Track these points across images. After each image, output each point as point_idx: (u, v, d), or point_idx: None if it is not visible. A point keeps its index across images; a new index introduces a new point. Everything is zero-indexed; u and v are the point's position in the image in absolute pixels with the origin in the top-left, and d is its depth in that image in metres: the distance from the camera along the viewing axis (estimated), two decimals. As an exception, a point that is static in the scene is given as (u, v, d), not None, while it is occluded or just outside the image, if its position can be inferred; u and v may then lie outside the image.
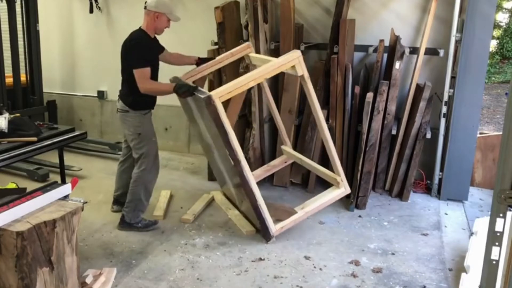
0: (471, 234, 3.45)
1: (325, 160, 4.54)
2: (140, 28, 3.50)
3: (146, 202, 3.62)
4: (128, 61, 3.42)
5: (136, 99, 3.47)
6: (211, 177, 4.72)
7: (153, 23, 3.46)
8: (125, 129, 3.57)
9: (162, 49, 3.72)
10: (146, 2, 3.42)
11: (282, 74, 4.23)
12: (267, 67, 3.26)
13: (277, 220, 3.53)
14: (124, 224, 3.60)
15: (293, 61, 3.27)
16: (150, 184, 3.60)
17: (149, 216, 3.80)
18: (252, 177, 3.34)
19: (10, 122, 3.09)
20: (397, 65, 4.17)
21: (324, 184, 4.13)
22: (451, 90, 4.26)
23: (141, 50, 3.37)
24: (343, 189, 3.74)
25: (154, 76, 3.50)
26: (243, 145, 4.33)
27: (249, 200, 3.37)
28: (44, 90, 5.59)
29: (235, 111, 4.25)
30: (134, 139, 3.51)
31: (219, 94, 3.10)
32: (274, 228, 3.46)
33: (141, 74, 3.33)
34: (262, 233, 3.50)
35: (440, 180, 4.42)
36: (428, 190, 4.55)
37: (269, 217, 3.42)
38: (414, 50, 4.41)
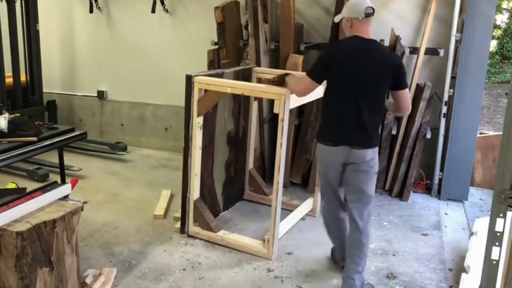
0: (471, 234, 3.45)
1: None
2: (375, 40, 2.82)
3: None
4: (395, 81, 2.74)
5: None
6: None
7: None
8: None
9: None
10: (369, 7, 2.69)
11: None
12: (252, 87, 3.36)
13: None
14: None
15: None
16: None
17: (149, 216, 3.81)
18: None
19: (10, 122, 3.08)
20: (397, 65, 4.17)
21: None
22: (451, 90, 4.26)
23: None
24: None
25: None
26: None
27: None
28: (44, 90, 5.58)
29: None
30: None
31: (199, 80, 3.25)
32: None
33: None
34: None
35: (440, 180, 4.42)
36: (428, 190, 4.55)
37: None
38: (414, 50, 4.40)
